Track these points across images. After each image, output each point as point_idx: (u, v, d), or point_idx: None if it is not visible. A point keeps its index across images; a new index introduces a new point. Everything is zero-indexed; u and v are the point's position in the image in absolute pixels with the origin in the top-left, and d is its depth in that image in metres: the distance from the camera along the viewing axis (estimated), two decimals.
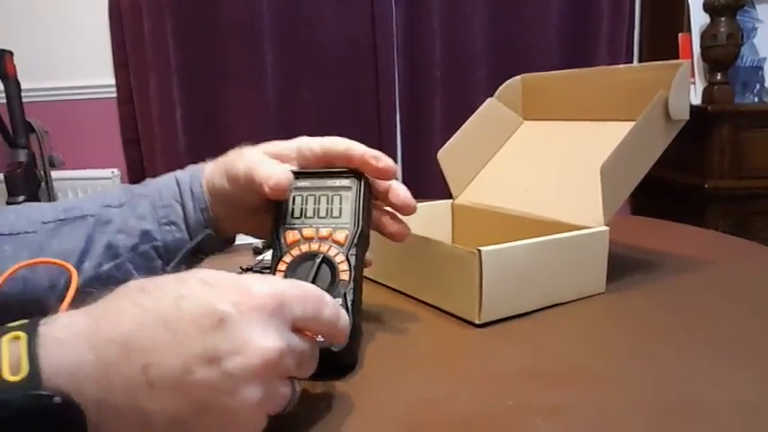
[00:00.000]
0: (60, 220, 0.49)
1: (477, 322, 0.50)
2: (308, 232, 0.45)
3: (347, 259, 0.43)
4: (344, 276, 0.43)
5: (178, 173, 0.52)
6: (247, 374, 0.28)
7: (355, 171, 0.47)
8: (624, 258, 0.66)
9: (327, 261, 0.43)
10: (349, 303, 0.42)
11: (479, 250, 0.48)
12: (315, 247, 0.44)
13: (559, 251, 0.54)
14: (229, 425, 0.29)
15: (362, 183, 0.46)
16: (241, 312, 0.29)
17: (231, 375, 0.28)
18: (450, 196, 0.75)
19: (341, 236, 0.44)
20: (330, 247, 0.44)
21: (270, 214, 0.47)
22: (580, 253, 0.55)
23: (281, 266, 0.44)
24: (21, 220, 0.49)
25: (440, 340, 0.49)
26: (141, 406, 0.27)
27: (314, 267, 0.43)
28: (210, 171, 0.50)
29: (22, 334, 0.27)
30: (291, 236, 0.45)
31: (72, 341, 0.27)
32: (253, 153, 0.48)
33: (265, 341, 0.29)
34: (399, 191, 0.48)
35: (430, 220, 0.72)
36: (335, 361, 0.40)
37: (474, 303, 0.49)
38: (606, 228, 0.56)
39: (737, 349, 0.45)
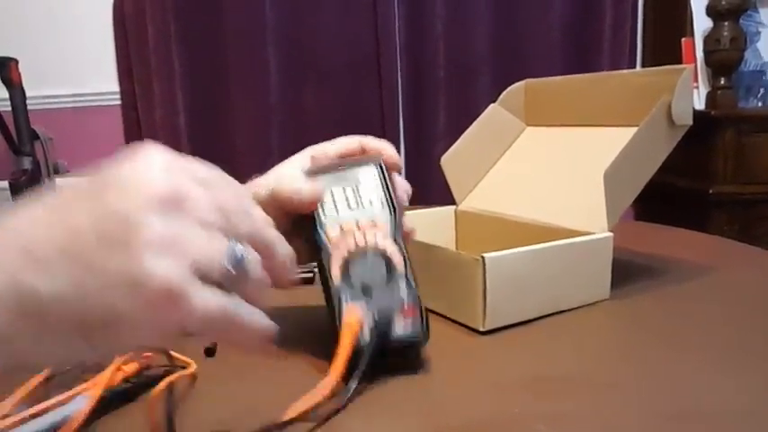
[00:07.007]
0: None
1: (481, 329, 0.50)
2: (347, 226, 0.44)
3: (396, 243, 0.44)
4: (398, 260, 0.43)
5: None
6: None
7: (370, 157, 0.47)
8: (628, 264, 0.66)
9: (379, 252, 0.43)
10: (414, 286, 0.43)
11: (483, 257, 0.48)
12: (360, 239, 0.44)
13: (563, 257, 0.54)
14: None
15: (381, 166, 0.46)
16: None
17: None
18: (453, 202, 0.75)
19: (381, 222, 0.44)
20: (375, 236, 0.44)
21: (297, 232, 0.45)
22: (584, 259, 0.55)
23: (335, 270, 0.43)
24: None
25: (444, 347, 0.49)
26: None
27: (369, 263, 0.43)
28: None
29: None
30: (332, 233, 0.44)
31: None
32: (269, 176, 0.47)
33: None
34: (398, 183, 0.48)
35: (433, 226, 0.72)
36: (416, 349, 0.44)
37: (478, 310, 0.49)
38: (610, 234, 0.56)
39: (744, 356, 0.45)
